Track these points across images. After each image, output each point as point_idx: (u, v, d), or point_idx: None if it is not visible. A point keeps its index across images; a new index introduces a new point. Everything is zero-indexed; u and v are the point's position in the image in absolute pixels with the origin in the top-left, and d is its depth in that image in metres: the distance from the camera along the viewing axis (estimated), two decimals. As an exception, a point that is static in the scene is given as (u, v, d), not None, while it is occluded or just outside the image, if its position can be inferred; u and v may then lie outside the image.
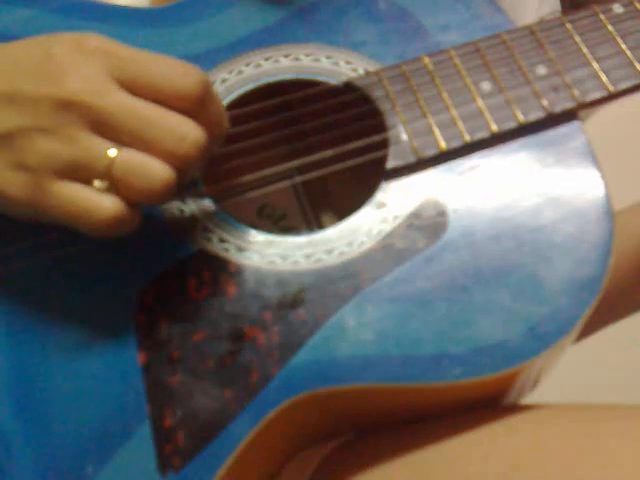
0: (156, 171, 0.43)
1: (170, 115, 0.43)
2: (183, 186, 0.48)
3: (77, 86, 0.43)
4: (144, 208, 0.46)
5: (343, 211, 0.51)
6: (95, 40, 0.44)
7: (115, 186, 0.43)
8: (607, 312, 0.66)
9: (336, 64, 0.54)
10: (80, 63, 0.43)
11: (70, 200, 0.43)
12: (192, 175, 0.46)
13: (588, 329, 0.65)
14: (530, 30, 0.53)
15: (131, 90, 0.44)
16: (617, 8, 0.53)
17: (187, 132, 0.43)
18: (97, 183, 0.43)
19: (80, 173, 0.43)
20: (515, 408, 0.49)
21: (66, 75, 0.43)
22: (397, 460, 0.48)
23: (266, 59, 0.54)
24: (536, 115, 0.50)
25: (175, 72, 0.44)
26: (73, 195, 0.43)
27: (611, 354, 1.10)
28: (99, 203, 0.43)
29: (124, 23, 0.56)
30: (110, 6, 0.57)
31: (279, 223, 0.58)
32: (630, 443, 0.44)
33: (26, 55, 0.45)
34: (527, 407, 0.49)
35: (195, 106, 0.44)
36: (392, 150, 0.50)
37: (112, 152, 0.43)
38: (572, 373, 0.86)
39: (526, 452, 0.45)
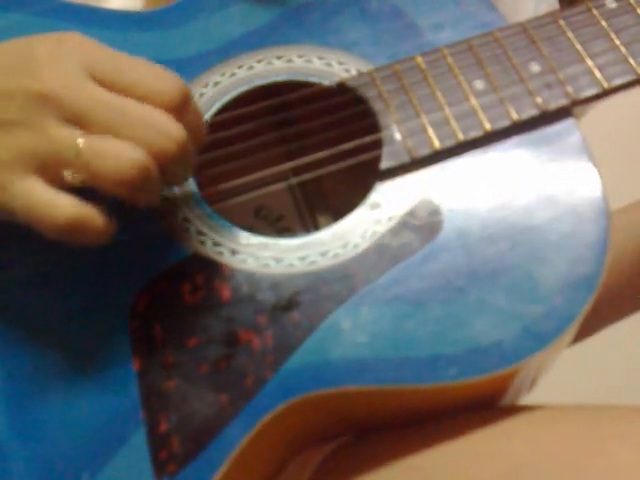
0: (125, 152, 0.42)
1: (149, 109, 0.43)
2: (170, 187, 0.48)
3: (51, 80, 0.43)
4: (140, 211, 0.46)
5: (339, 212, 0.51)
6: (76, 39, 0.44)
7: (86, 174, 0.42)
8: (610, 311, 0.66)
9: (329, 65, 0.54)
10: (58, 59, 0.43)
11: (28, 198, 0.42)
12: (178, 177, 0.46)
13: (589, 330, 0.65)
14: (523, 27, 0.52)
15: (108, 89, 0.43)
16: (610, 3, 0.52)
17: (166, 127, 0.43)
18: (67, 173, 0.42)
19: (50, 165, 0.42)
20: (514, 409, 0.48)
21: (42, 70, 0.43)
22: (395, 462, 0.48)
23: (258, 61, 0.54)
24: (530, 113, 0.50)
25: (154, 79, 0.44)
26: (33, 194, 0.42)
27: (610, 354, 1.09)
28: (57, 203, 0.42)
29: (115, 26, 0.56)
30: (101, 9, 0.57)
31: (276, 225, 0.58)
32: (630, 444, 0.43)
33: (6, 53, 0.45)
34: (526, 408, 0.48)
35: (173, 114, 0.43)
36: (386, 150, 0.50)
37: (81, 140, 0.42)
38: (571, 373, 0.86)
39: (526, 453, 0.45)
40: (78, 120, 0.42)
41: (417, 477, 0.47)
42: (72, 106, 0.42)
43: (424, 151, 0.50)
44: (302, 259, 0.48)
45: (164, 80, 0.44)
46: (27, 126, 0.42)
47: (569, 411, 0.48)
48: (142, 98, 0.43)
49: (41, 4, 0.55)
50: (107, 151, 0.42)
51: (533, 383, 0.51)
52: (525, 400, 0.52)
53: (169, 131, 0.43)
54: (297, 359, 0.45)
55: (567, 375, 0.78)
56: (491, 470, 0.45)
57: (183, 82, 0.44)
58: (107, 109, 0.42)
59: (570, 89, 0.50)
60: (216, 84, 0.54)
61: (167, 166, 0.44)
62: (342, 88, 0.53)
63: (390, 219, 0.48)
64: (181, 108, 0.44)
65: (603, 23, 0.52)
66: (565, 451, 0.44)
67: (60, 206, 0.42)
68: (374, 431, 0.50)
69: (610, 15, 0.52)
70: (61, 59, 0.43)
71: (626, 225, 0.63)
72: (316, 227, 0.58)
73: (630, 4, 0.52)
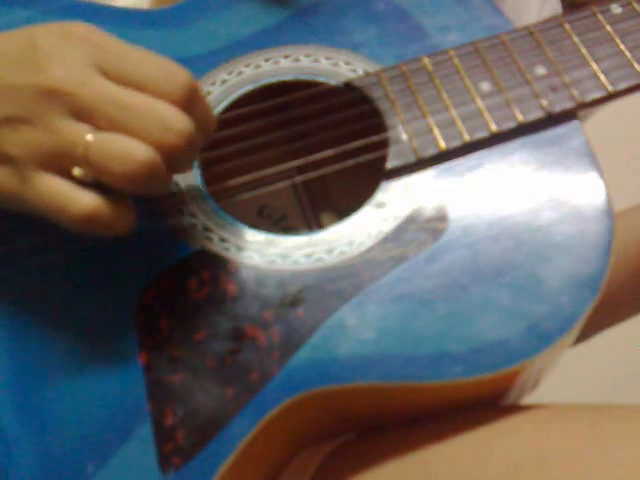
0: (133, 151, 0.41)
1: (156, 103, 0.43)
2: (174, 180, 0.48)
3: (60, 74, 0.42)
4: (145, 205, 0.46)
5: (343, 211, 0.51)
6: (81, 29, 0.44)
7: (94, 171, 0.42)
8: (610, 313, 0.66)
9: (336, 65, 0.54)
10: (64, 52, 0.43)
11: (47, 194, 0.42)
12: (182, 167, 0.45)
13: (591, 330, 0.66)
14: (529, 31, 0.53)
15: (116, 82, 0.43)
16: (615, 8, 0.53)
17: (174, 121, 0.42)
18: (76, 170, 0.42)
19: (59, 161, 0.42)
20: (515, 408, 0.49)
21: (49, 64, 0.43)
22: (398, 460, 0.48)
23: (266, 60, 0.55)
24: (535, 115, 0.50)
25: (162, 71, 0.43)
26: (50, 188, 0.42)
27: (611, 355, 1.10)
28: (75, 198, 0.42)
29: (123, 24, 0.56)
30: (109, 7, 0.57)
31: (279, 224, 0.58)
32: (629, 443, 0.43)
33: (10, 45, 0.44)
34: (527, 407, 0.49)
35: (181, 106, 0.43)
36: (392, 150, 0.50)
37: (89, 136, 0.42)
38: (573, 374, 0.86)
39: (526, 452, 0.45)
40: (86, 115, 0.42)
41: (419, 474, 0.47)
42: (80, 101, 0.42)
43: (430, 151, 0.50)
44: (308, 256, 0.48)
45: (171, 73, 0.43)
46: (35, 122, 0.42)
47: (569, 410, 0.48)
48: (150, 91, 0.43)
49: (51, 2, 0.56)
50: (114, 148, 0.42)
51: (536, 382, 0.51)
52: (527, 400, 0.52)
53: (176, 125, 0.42)
54: (303, 355, 0.45)
55: (568, 375, 0.79)
56: (492, 468, 0.45)
57: (190, 75, 0.44)
58: (115, 104, 0.42)
59: (575, 92, 0.51)
60: (223, 82, 0.54)
61: (174, 159, 0.43)
62: (349, 88, 0.53)
63: (396, 218, 0.49)
64: (189, 101, 0.43)
65: (608, 28, 0.52)
66: (565, 450, 0.44)
67: (77, 200, 0.42)
68: (378, 429, 0.50)
69: (615, 20, 0.53)
70: (67, 52, 0.43)
71: (626, 229, 0.63)
72: (319, 227, 0.58)
73: (635, 10, 0.53)
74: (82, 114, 0.42)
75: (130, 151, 0.41)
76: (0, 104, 0.43)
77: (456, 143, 0.50)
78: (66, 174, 0.43)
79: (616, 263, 0.49)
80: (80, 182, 0.43)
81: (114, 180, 0.42)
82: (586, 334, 0.62)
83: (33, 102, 0.42)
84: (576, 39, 0.52)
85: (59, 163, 0.42)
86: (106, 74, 0.43)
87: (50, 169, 0.42)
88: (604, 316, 0.64)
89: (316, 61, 0.54)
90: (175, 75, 0.43)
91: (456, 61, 0.52)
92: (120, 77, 0.43)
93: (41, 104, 0.42)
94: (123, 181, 0.42)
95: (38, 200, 0.43)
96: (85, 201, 0.42)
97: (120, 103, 0.42)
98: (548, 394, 0.56)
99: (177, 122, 0.42)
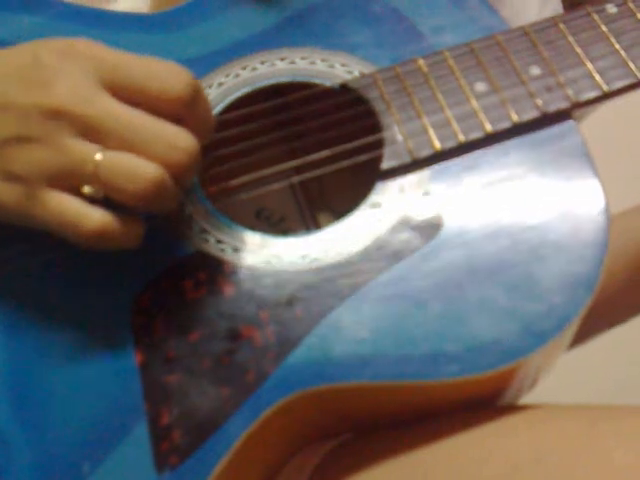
0: (142, 169, 0.43)
1: (161, 123, 0.44)
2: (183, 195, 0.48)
3: (66, 94, 0.43)
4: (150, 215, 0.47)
5: (340, 212, 0.51)
6: (83, 45, 0.45)
7: (104, 189, 0.43)
8: (609, 315, 0.66)
9: (331, 67, 0.54)
10: (68, 70, 0.44)
11: (58, 211, 0.43)
12: (189, 183, 0.46)
13: (590, 333, 0.66)
14: (524, 31, 0.53)
15: (120, 95, 0.44)
16: (610, 8, 0.53)
17: (178, 139, 0.44)
18: (86, 188, 0.43)
19: (69, 179, 0.43)
20: (513, 408, 0.49)
21: (54, 83, 0.43)
22: (395, 460, 0.48)
23: (262, 62, 0.55)
24: (530, 115, 0.50)
25: (164, 74, 0.44)
26: (61, 206, 0.43)
27: (610, 356, 1.10)
28: (86, 215, 0.43)
29: (123, 29, 0.56)
30: (109, 12, 0.58)
31: (277, 226, 0.58)
32: (627, 443, 0.43)
33: (14, 62, 0.45)
34: (525, 407, 0.49)
35: (184, 108, 0.44)
36: (387, 151, 0.50)
37: (98, 155, 0.43)
38: (571, 375, 0.86)
39: (524, 452, 0.45)
40: (94, 135, 0.43)
41: (417, 474, 0.47)
42: (87, 122, 0.43)
43: (425, 152, 0.50)
44: (304, 257, 0.48)
45: (175, 74, 0.44)
46: (44, 141, 0.43)
47: (567, 410, 0.48)
48: (154, 98, 0.44)
49: (54, 8, 0.56)
50: (124, 167, 0.43)
51: (534, 382, 0.51)
52: (525, 400, 0.52)
53: (180, 143, 0.44)
54: (299, 354, 0.45)
55: (566, 377, 0.79)
56: (490, 468, 0.45)
57: (192, 74, 0.45)
58: (121, 124, 0.43)
59: (570, 92, 0.51)
60: (220, 85, 0.54)
61: (180, 175, 0.44)
62: (345, 89, 0.53)
63: (391, 218, 0.49)
64: (194, 99, 0.44)
65: (603, 27, 0.52)
66: (563, 450, 0.44)
67: (88, 217, 0.43)
68: (374, 429, 0.50)
69: (610, 20, 0.53)
70: (72, 69, 0.44)
71: (625, 231, 0.63)
72: (317, 227, 0.58)
73: (630, 9, 0.53)
74: (90, 134, 0.43)
75: (139, 170, 0.43)
76: (7, 123, 0.44)
77: (451, 143, 0.50)
78: (75, 191, 0.44)
79: (615, 265, 0.50)
80: (89, 199, 0.44)
81: (125, 198, 0.43)
82: (585, 336, 0.62)
83: (41, 122, 0.43)
84: (571, 39, 0.52)
85: (68, 181, 0.43)
86: (111, 86, 0.44)
87: (59, 187, 0.43)
88: (603, 318, 0.64)
89: (312, 63, 0.55)
90: (178, 76, 0.44)
91: (451, 62, 0.52)
92: (124, 88, 0.44)
93: (49, 124, 0.43)
94: (134, 199, 0.43)
95: (48, 217, 0.43)
96: (96, 217, 0.43)
97: (126, 123, 0.43)
98: (547, 395, 0.56)
99: (181, 140, 0.44)
